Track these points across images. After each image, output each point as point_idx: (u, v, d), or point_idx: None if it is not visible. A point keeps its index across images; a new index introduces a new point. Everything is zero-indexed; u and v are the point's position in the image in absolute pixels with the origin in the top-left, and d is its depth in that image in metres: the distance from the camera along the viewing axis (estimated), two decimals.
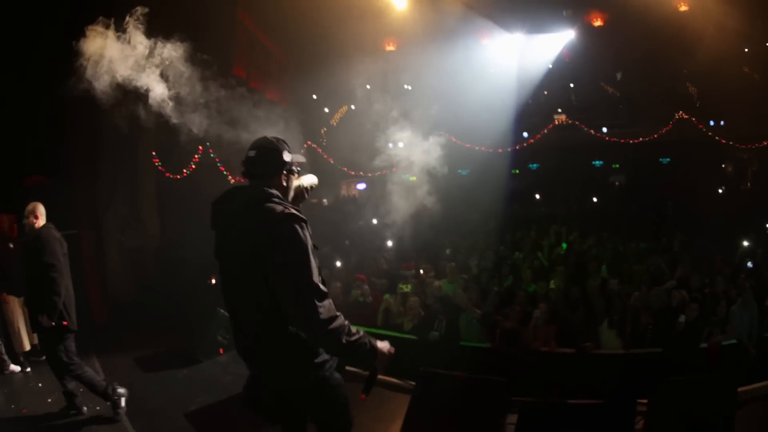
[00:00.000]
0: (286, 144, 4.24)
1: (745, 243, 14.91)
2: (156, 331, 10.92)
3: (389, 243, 15.40)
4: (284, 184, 4.16)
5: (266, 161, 4.12)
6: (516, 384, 6.44)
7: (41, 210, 7.07)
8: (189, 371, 9.03)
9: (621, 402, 5.80)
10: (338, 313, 3.80)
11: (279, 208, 3.85)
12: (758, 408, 6.97)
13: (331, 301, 3.82)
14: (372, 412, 6.65)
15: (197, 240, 15.34)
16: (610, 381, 8.45)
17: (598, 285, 11.42)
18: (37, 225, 6.97)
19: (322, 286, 3.78)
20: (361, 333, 3.88)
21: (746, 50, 24.94)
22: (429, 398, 6.07)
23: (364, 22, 18.64)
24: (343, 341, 3.77)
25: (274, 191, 3.98)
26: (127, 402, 7.29)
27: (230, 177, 17.51)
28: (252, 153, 4.12)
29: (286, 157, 4.16)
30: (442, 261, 13.72)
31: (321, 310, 3.70)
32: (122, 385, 7.36)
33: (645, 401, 6.11)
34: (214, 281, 13.47)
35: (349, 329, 3.82)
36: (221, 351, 9.74)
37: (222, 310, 9.84)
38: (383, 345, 4.04)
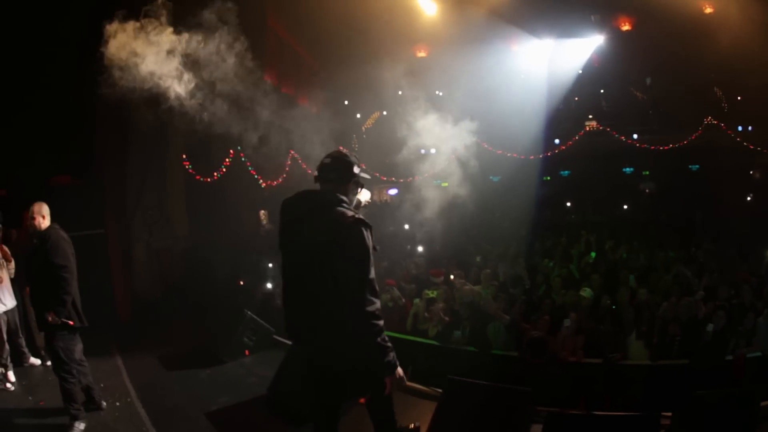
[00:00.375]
0: (356, 158, 4.79)
1: None
2: (181, 331, 11.01)
3: (420, 248, 15.37)
4: (350, 192, 4.73)
5: (340, 170, 4.67)
6: (542, 393, 6.45)
7: (46, 210, 7.06)
8: (212, 371, 8.98)
9: (646, 415, 5.80)
10: (382, 317, 4.38)
11: (349, 213, 4.47)
12: None
13: (380, 303, 4.43)
14: (396, 418, 6.57)
15: (225, 243, 15.49)
16: (636, 393, 8.38)
17: (628, 295, 11.27)
18: (42, 225, 6.96)
19: (376, 286, 4.37)
20: (391, 346, 4.45)
21: None
22: (454, 406, 6.12)
23: (394, 28, 18.71)
24: (377, 339, 4.37)
25: (344, 197, 4.58)
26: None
27: (262, 182, 17.57)
28: (328, 160, 4.68)
29: (356, 169, 4.72)
30: (472, 268, 13.62)
31: (370, 304, 4.32)
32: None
33: (669, 414, 6.13)
34: (242, 283, 13.59)
35: (385, 336, 4.41)
36: (246, 353, 9.67)
37: (249, 312, 9.90)
38: (400, 370, 4.55)
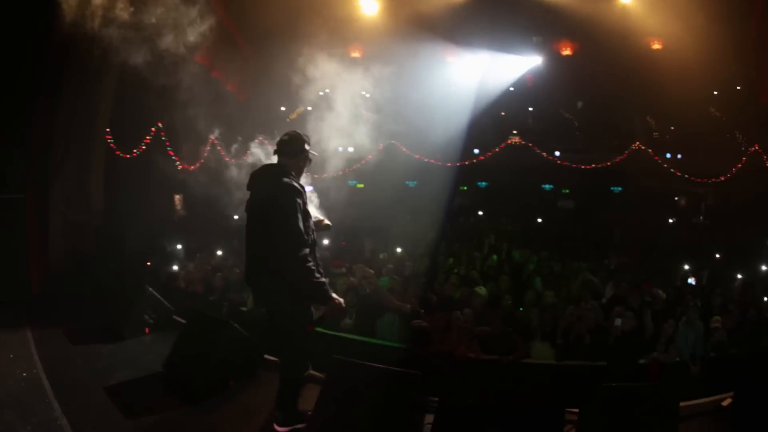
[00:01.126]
0: (308, 138, 6.22)
1: (687, 267, 15.49)
2: (90, 306, 11.07)
3: (325, 241, 15.72)
4: (300, 165, 6.14)
5: (292, 145, 6.07)
6: (434, 386, 6.64)
7: None
8: (114, 347, 9.12)
9: (549, 409, 5.90)
10: (311, 260, 5.72)
11: (286, 179, 5.79)
12: (702, 424, 7.09)
13: (308, 249, 5.73)
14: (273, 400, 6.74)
15: (139, 221, 15.53)
16: (542, 391, 8.63)
17: (533, 297, 11.88)
18: None
19: (305, 235, 5.66)
20: (324, 281, 5.78)
21: (715, 93, 26.06)
22: (340, 386, 6.24)
23: (332, 24, 18.93)
24: (309, 277, 5.64)
25: (291, 168, 5.98)
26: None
27: (179, 163, 17.61)
28: (285, 138, 6.09)
29: (306, 147, 6.15)
30: (376, 264, 14.17)
31: (299, 250, 5.60)
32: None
33: (576, 410, 6.43)
34: (149, 264, 13.88)
35: (317, 274, 5.71)
36: (147, 330, 9.84)
37: (151, 289, 10.21)
38: (339, 299, 6.03)
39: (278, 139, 6.14)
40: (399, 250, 16.00)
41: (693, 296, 11.88)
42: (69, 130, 13.49)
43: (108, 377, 7.75)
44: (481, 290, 11.54)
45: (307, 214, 5.91)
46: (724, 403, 7.19)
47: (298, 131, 6.21)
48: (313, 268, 5.69)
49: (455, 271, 13.82)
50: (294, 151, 6.08)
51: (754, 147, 23.18)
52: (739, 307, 11.41)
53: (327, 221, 6.84)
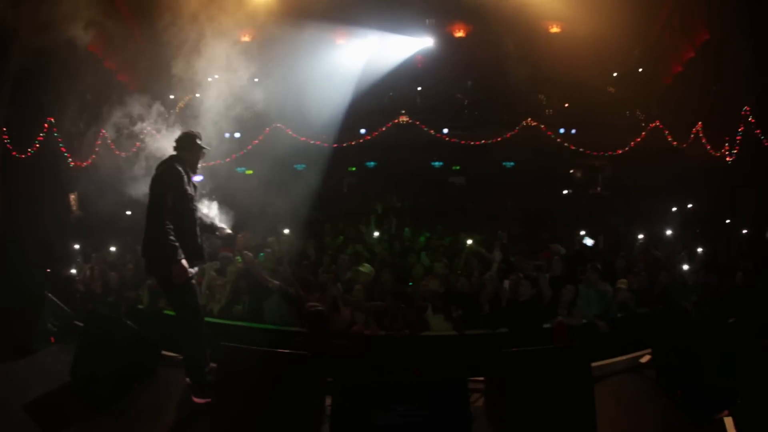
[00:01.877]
0: (200, 134, 7.69)
1: (583, 233, 16.24)
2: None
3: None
4: (192, 157, 7.55)
5: (184, 140, 7.53)
6: (334, 368, 6.82)
7: None
8: (25, 362, 8.66)
9: (453, 380, 6.04)
10: (171, 226, 6.93)
11: (166, 164, 7.25)
12: (622, 381, 7.57)
13: (166, 218, 6.92)
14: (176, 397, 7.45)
15: (37, 225, 15.25)
16: (447, 363, 8.98)
17: (421, 271, 12.45)
18: None
19: (166, 208, 6.96)
20: (178, 246, 6.94)
21: (615, 74, 27.89)
22: (232, 374, 6.42)
23: (223, 8, 19.13)
24: (162, 240, 6.88)
25: (178, 159, 7.36)
26: None
27: (71, 161, 17.42)
28: (180, 134, 7.63)
29: (197, 141, 7.58)
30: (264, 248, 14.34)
31: (157, 217, 6.95)
32: None
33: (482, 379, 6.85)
34: (48, 270, 13.61)
35: (170, 238, 6.90)
36: (52, 339, 9.47)
37: (51, 296, 9.78)
38: (189, 270, 7.17)
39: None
40: (287, 231, 16.34)
41: (591, 258, 12.88)
42: None
43: (24, 394, 7.52)
44: (366, 268, 11.97)
45: (185, 196, 7.22)
46: (643, 360, 7.86)
47: (192, 130, 7.77)
48: (167, 231, 6.88)
49: (347, 251, 14.21)
50: (184, 145, 7.48)
51: (655, 123, 24.89)
52: (646, 268, 12.63)
53: (227, 230, 8.38)
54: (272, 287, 10.62)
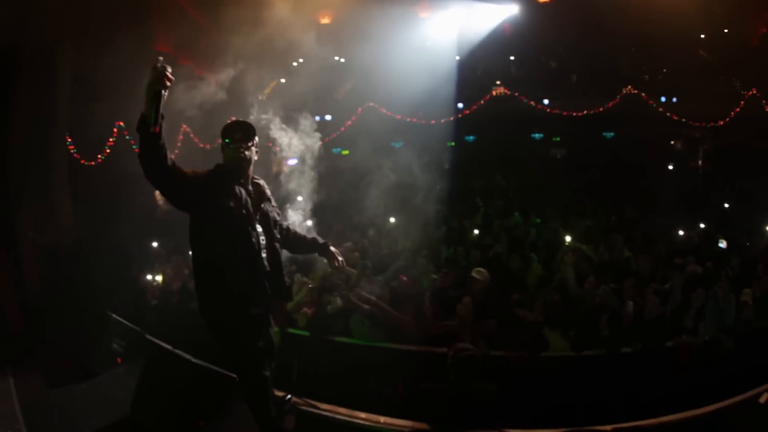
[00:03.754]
0: (232, 130, 5.43)
1: (702, 225, 14.18)
2: (68, 340, 9.84)
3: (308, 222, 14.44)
4: (230, 161, 5.41)
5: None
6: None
7: None
8: (87, 386, 8.19)
9: None
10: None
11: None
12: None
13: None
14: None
15: (114, 233, 14.15)
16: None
17: (535, 280, 10.27)
18: None
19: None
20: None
21: (702, 36, 25.58)
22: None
23: None
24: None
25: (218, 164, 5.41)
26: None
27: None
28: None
29: (226, 141, 5.38)
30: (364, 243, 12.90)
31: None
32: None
33: None
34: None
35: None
36: (119, 360, 8.83)
37: (112, 314, 9.05)
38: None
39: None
40: (392, 220, 14.66)
41: (724, 264, 10.27)
42: (27, 141, 12.25)
43: (82, 425, 6.99)
44: (481, 274, 9.36)
45: (224, 215, 5.18)
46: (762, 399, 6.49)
47: (228, 122, 5.53)
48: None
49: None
50: (222, 145, 5.44)
51: (752, 91, 22.70)
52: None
53: (321, 241, 6.32)
54: (363, 312, 8.86)
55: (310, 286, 9.82)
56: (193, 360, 6.88)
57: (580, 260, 10.52)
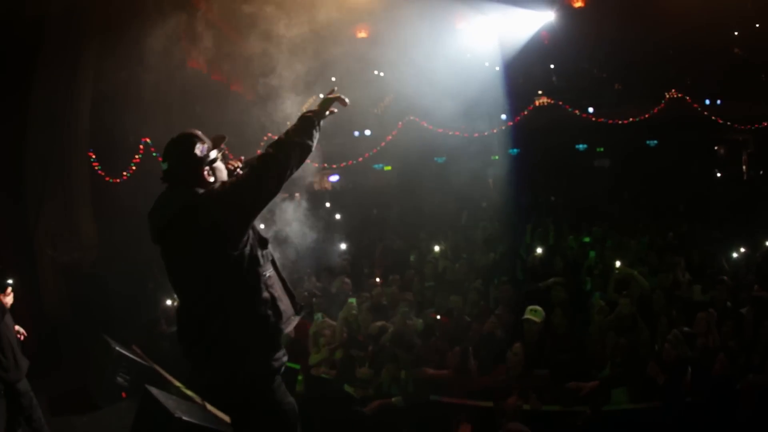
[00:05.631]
0: (199, 136, 3.95)
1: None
2: (81, 362, 9.56)
3: (342, 245, 13.19)
4: (210, 179, 3.92)
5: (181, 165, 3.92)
6: None
7: None
8: (89, 418, 8.02)
9: None
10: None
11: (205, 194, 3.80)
12: None
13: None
14: None
15: (138, 252, 13.47)
16: None
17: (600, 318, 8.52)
18: None
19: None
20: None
21: (735, 33, 24.95)
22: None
23: (333, 9, 17.27)
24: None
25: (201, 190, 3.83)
26: None
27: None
28: (164, 165, 3.93)
29: (198, 151, 3.89)
30: (408, 270, 11.42)
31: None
32: None
33: None
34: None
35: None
36: (123, 395, 8.38)
37: (117, 348, 8.59)
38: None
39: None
40: (437, 249, 12.95)
41: None
42: (46, 158, 11.85)
43: None
44: (537, 315, 7.94)
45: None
46: None
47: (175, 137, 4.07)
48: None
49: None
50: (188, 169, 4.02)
51: None
52: None
53: None
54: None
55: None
56: (185, 419, 5.77)
57: (635, 290, 9.03)
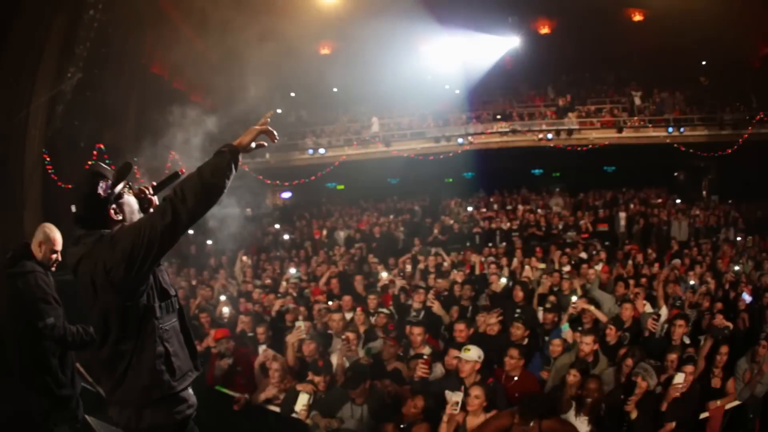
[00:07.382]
0: (102, 174, 3.61)
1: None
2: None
3: (292, 270, 12.68)
4: (118, 217, 3.65)
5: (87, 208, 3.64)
6: None
7: None
8: None
9: None
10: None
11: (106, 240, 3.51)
12: None
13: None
14: None
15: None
16: None
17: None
18: None
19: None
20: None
21: (703, 63, 25.26)
22: None
23: (298, 24, 17.16)
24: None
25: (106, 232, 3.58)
26: None
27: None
28: (73, 208, 3.60)
29: (102, 191, 3.60)
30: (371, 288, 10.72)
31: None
32: None
33: None
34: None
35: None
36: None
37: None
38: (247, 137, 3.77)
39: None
40: (384, 274, 12.11)
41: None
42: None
43: None
44: (471, 353, 6.66)
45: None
46: None
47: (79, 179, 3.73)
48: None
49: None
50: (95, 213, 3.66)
51: (759, 115, 22.17)
52: None
53: None
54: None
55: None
56: None
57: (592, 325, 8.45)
